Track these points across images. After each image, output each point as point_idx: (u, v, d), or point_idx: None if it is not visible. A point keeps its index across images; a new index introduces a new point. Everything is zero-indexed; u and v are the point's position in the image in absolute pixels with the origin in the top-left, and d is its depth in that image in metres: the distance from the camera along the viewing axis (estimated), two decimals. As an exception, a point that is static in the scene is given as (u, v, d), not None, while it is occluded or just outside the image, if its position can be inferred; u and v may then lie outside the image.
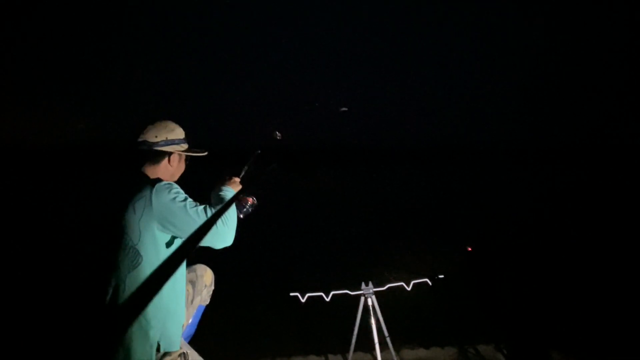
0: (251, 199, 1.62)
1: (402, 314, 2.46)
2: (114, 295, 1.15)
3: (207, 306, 1.69)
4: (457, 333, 2.47)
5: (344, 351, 2.14)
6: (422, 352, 2.32)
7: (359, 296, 2.01)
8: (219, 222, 1.30)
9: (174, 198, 1.23)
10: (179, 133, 1.42)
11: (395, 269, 3.73)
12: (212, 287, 1.69)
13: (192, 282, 1.57)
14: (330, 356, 2.27)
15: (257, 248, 4.76)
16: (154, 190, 1.22)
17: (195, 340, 1.59)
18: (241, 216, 1.56)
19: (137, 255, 1.18)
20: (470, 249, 3.96)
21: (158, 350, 1.20)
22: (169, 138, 1.38)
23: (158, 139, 1.35)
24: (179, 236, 1.26)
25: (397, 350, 2.15)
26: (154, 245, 1.21)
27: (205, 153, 1.51)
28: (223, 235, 1.32)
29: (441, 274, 2.21)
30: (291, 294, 2.04)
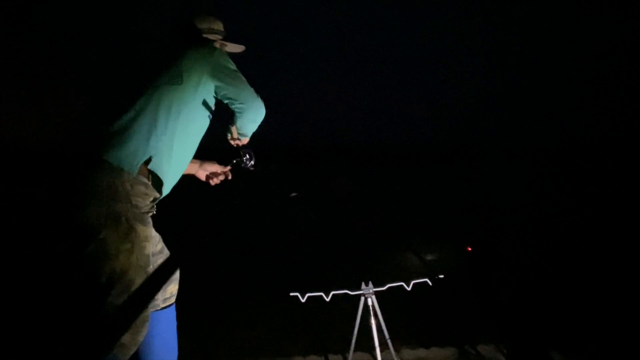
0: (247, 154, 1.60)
1: (402, 314, 2.45)
2: (145, 97, 1.17)
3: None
4: (457, 333, 2.46)
5: (344, 351, 2.14)
6: (422, 352, 2.32)
7: (359, 296, 2.01)
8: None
9: (230, 65, 1.33)
10: (220, 25, 1.49)
11: (395, 269, 3.72)
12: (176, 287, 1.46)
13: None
14: (330, 356, 2.27)
15: (256, 248, 4.76)
16: (217, 50, 1.33)
17: (195, 340, 1.58)
18: (252, 163, 1.55)
19: (179, 76, 1.21)
20: (470, 249, 3.95)
21: (147, 163, 1.16)
22: (213, 27, 1.44)
23: (203, 26, 1.42)
24: (221, 91, 1.31)
25: (397, 350, 2.15)
26: (196, 81, 1.24)
27: (243, 48, 1.55)
28: (256, 107, 1.38)
29: (441, 274, 2.20)
30: (291, 294, 2.03)
